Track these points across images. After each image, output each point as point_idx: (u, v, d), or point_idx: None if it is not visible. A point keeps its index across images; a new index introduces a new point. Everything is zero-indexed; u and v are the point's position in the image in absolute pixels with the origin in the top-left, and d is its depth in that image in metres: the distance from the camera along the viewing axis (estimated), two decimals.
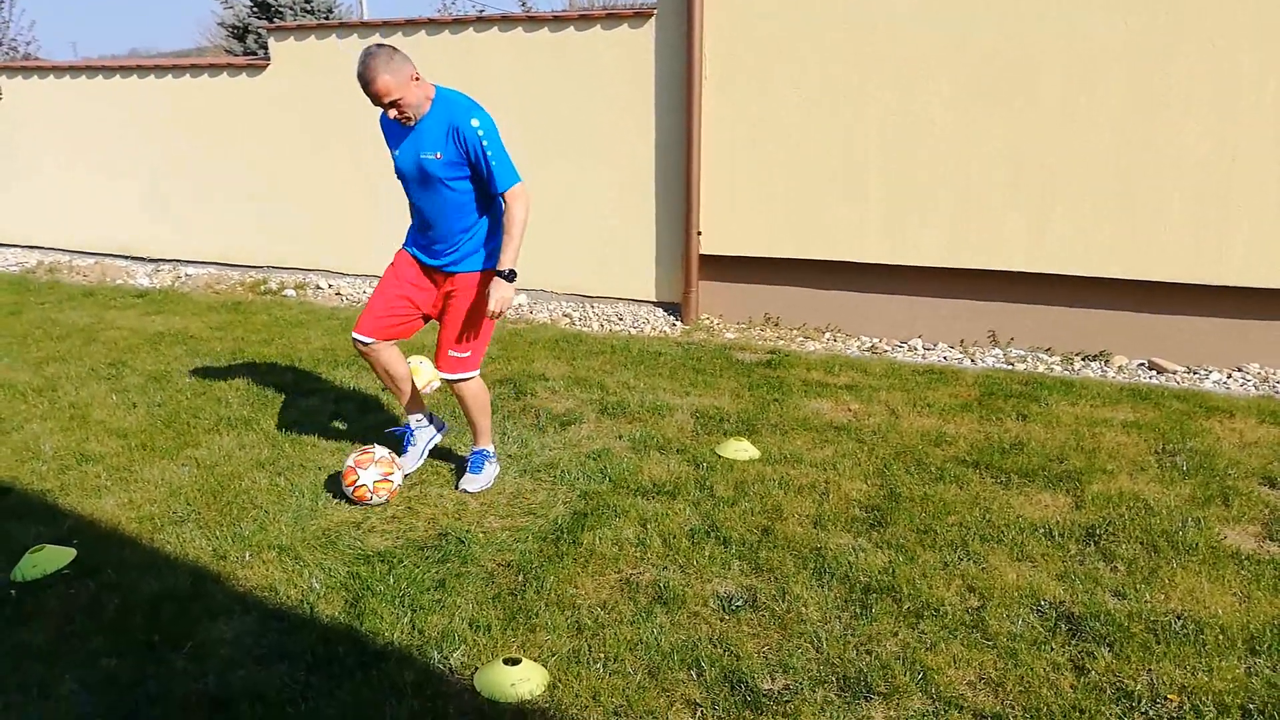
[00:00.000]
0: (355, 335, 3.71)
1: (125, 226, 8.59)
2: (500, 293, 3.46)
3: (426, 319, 3.81)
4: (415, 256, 3.71)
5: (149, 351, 5.73)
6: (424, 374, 4.99)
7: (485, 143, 3.38)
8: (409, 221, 3.78)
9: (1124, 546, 3.28)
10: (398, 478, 3.63)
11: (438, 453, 4.07)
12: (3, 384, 5.07)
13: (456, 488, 3.77)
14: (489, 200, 3.58)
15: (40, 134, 8.77)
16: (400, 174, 3.57)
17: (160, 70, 8.11)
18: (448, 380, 3.72)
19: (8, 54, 14.52)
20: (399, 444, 3.94)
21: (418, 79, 3.36)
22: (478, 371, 3.74)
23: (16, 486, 3.80)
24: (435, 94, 3.45)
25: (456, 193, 3.50)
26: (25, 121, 8.81)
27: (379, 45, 3.34)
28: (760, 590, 3.01)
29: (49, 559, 3.14)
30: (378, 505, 3.60)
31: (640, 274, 6.71)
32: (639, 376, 5.21)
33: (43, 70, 8.73)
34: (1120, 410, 4.66)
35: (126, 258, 8.70)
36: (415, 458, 3.92)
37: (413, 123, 3.43)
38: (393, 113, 3.38)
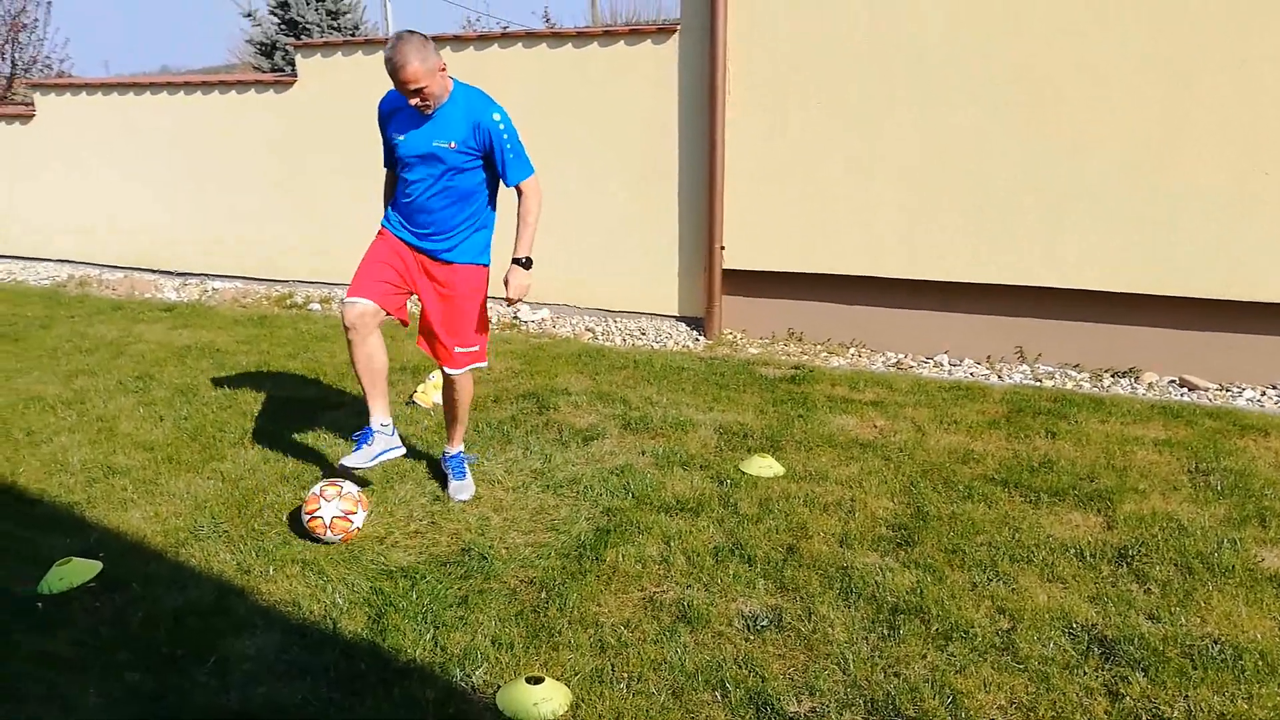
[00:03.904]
0: (350, 299, 3.49)
1: (154, 240, 8.70)
2: (518, 280, 3.53)
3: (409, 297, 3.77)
4: (401, 238, 3.67)
5: (176, 365, 5.78)
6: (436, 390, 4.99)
7: (505, 136, 3.49)
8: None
9: (1158, 568, 3.21)
10: (359, 520, 3.39)
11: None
12: (33, 396, 5.12)
13: (450, 496, 3.80)
14: (492, 195, 3.67)
15: (72, 150, 8.90)
16: (403, 160, 3.56)
17: (190, 86, 8.22)
18: (454, 375, 3.75)
19: (42, 71, 14.78)
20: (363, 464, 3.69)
21: (444, 70, 3.43)
22: (485, 363, 3.83)
23: (45, 499, 3.83)
24: (454, 87, 3.53)
25: (465, 183, 3.56)
26: (58, 138, 8.95)
27: (410, 31, 3.36)
28: (786, 610, 2.97)
29: (75, 571, 3.16)
30: (330, 542, 3.37)
31: (663, 288, 6.69)
32: (662, 391, 5.19)
33: (75, 87, 8.86)
34: (1151, 428, 4.59)
35: (155, 271, 8.79)
36: (368, 458, 3.61)
37: (430, 111, 3.46)
38: (415, 100, 3.40)
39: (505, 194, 3.69)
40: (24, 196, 9.31)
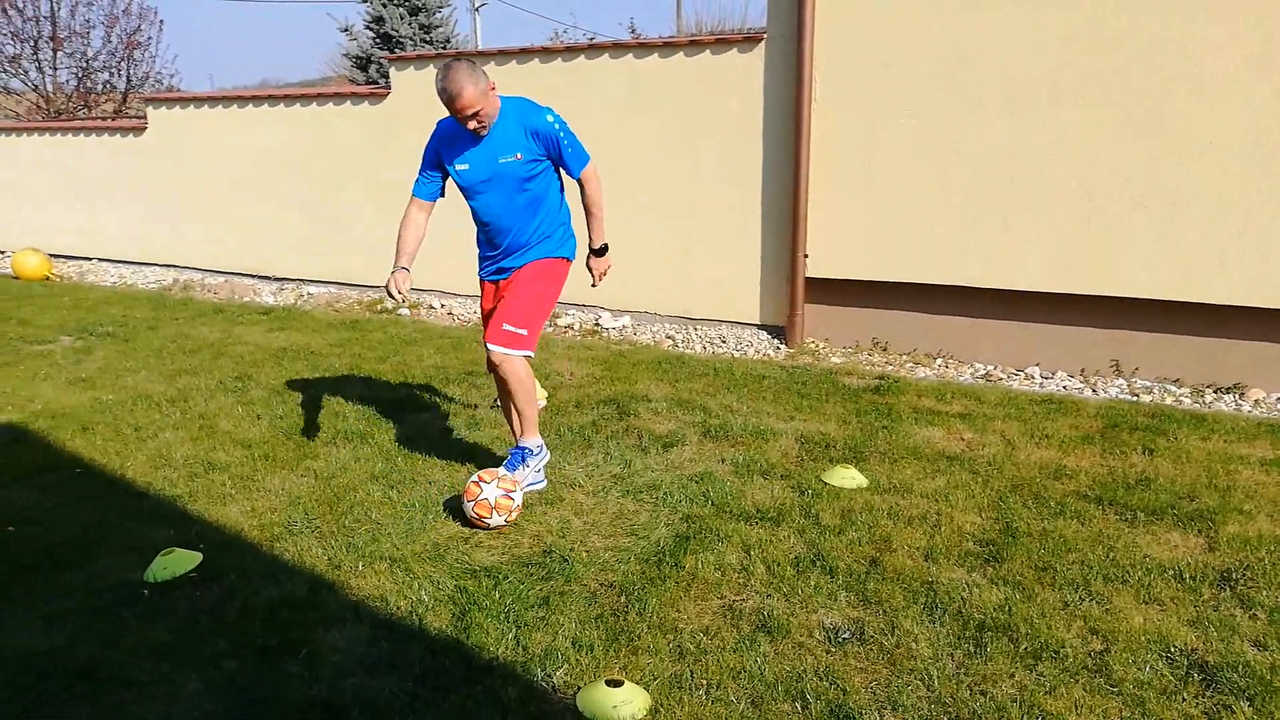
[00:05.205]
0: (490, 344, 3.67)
1: (252, 246, 9.06)
2: (601, 267, 3.84)
3: None
4: (491, 281, 3.88)
5: (273, 366, 6.00)
6: (541, 394, 5.08)
7: (562, 134, 3.61)
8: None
9: (1264, 593, 3.06)
10: (518, 497, 3.58)
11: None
12: (141, 394, 5.39)
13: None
14: (553, 191, 3.78)
15: (178, 160, 9.34)
16: (467, 187, 3.66)
17: (289, 99, 8.54)
18: (493, 350, 3.58)
19: (153, 86, 15.52)
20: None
21: (493, 89, 3.47)
22: (531, 352, 3.66)
23: (151, 491, 4.02)
24: (501, 102, 3.57)
25: (532, 190, 3.67)
26: (165, 149, 9.40)
27: (456, 58, 3.44)
28: (868, 623, 2.93)
29: (178, 562, 3.31)
30: (496, 525, 3.53)
31: (744, 297, 6.67)
32: (742, 399, 5.17)
33: (184, 100, 9.31)
34: (1258, 447, 4.37)
35: (253, 276, 9.16)
36: (535, 473, 3.87)
37: (486, 132, 3.51)
38: (472, 124, 3.45)
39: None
40: (135, 204, 9.81)
